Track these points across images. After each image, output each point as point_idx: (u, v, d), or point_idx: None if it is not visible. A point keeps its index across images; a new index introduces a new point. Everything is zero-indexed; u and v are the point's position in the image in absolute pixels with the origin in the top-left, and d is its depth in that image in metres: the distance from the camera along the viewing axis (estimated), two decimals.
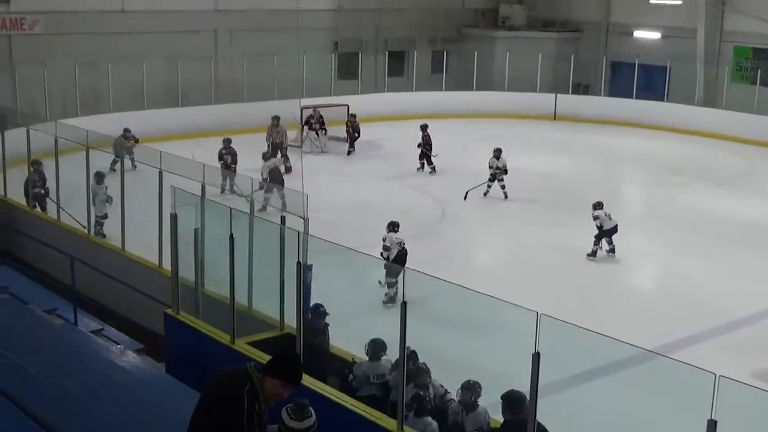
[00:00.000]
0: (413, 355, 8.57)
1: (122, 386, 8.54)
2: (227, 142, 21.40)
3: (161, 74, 27.40)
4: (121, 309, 13.04)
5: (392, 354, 9.14)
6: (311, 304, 10.41)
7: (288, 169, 19.60)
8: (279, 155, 22.41)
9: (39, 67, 24.63)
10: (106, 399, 7.82)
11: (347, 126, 26.57)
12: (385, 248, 14.86)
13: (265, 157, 20.37)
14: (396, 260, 14.55)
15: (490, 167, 21.56)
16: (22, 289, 11.87)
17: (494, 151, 21.50)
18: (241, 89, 28.96)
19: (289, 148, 24.30)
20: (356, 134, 26.35)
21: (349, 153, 26.38)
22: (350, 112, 26.94)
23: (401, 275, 14.06)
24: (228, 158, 20.80)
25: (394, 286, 14.33)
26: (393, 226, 15.40)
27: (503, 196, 21.61)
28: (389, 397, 8.87)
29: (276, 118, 24.36)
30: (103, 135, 17.29)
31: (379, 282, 14.66)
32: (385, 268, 14.38)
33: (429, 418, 8.21)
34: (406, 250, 14.95)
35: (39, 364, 8.27)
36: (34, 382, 7.59)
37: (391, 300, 14.12)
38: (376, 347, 9.34)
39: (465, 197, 21.19)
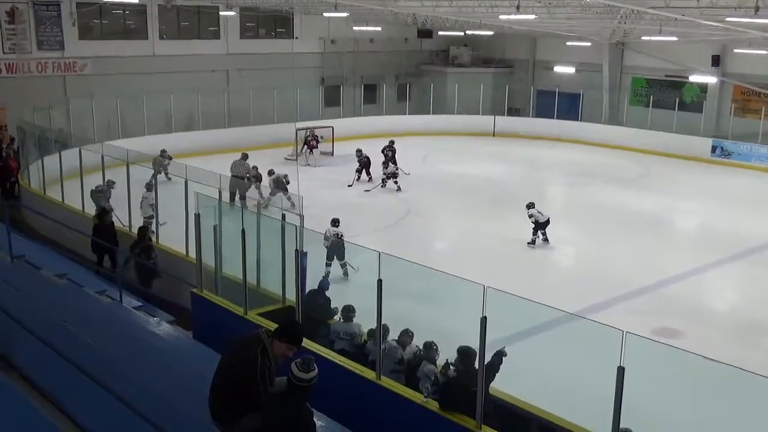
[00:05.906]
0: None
1: (159, 349, 8.45)
2: (255, 168, 20.49)
3: (185, 105, 27.12)
4: (156, 289, 12.91)
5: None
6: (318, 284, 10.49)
7: (288, 182, 19.23)
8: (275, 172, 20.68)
9: (88, 100, 24.31)
10: (146, 360, 7.73)
11: (385, 157, 23.30)
12: (326, 238, 14.15)
13: (270, 173, 19.92)
14: (332, 247, 14.21)
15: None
16: (77, 275, 11.70)
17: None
18: (248, 116, 28.72)
19: (286, 161, 23.98)
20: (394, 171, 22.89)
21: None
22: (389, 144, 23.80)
23: (335, 258, 14.22)
24: (254, 178, 19.94)
25: (329, 266, 14.17)
26: (333, 222, 14.97)
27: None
28: (363, 351, 8.98)
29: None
30: (140, 153, 17.06)
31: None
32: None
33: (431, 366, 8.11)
34: (342, 240, 14.33)
35: (92, 334, 8.16)
36: (89, 347, 7.49)
37: (327, 275, 13.37)
38: (348, 311, 9.53)
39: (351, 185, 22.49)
